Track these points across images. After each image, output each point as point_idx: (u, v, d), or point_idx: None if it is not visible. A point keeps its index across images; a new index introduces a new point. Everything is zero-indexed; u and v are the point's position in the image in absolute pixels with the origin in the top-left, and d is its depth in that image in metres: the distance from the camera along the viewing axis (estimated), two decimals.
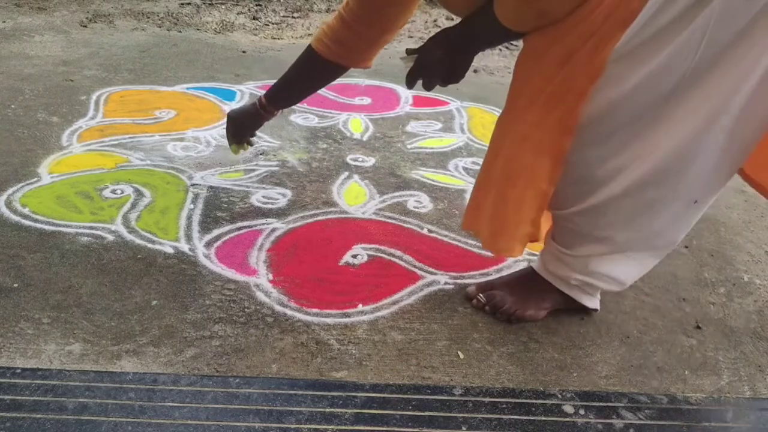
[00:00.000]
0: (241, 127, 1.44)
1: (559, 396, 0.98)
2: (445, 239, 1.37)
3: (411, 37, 2.97)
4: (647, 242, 1.03)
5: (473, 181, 1.62)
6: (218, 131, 1.77)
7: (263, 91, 2.13)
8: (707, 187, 0.96)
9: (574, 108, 0.92)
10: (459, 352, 1.05)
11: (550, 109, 0.94)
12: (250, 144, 1.51)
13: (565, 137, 0.94)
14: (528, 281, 1.16)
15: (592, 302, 1.14)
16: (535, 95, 0.96)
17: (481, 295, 1.15)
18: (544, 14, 0.91)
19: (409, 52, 1.14)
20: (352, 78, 2.31)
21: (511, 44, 2.75)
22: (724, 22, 0.81)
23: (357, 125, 1.90)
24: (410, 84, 1.13)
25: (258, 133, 1.75)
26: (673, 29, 0.83)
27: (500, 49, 2.88)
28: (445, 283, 1.22)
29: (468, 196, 1.55)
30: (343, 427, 0.89)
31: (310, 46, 1.25)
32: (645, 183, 0.94)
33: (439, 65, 1.09)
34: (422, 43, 1.11)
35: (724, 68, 0.84)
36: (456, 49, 1.07)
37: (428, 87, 1.13)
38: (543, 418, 0.94)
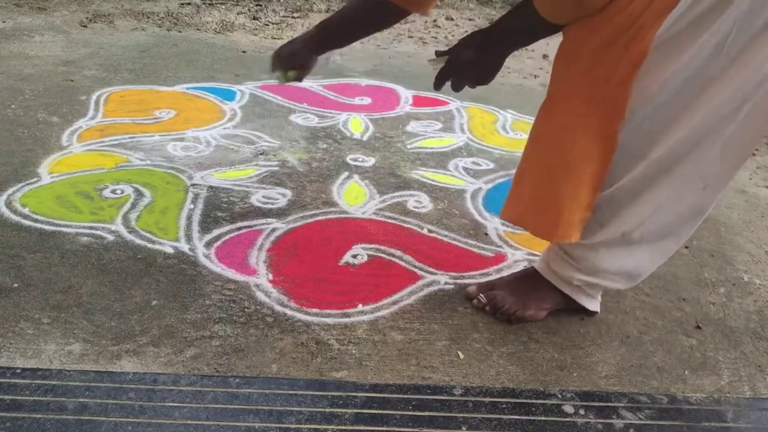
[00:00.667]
0: (289, 50, 1.35)
1: (559, 396, 0.98)
2: (445, 239, 1.37)
3: (411, 37, 2.97)
4: (659, 230, 1.03)
5: (473, 181, 1.62)
6: (218, 131, 1.77)
7: (264, 91, 2.14)
8: (719, 173, 0.98)
9: (620, 94, 0.93)
10: (459, 352, 1.05)
11: (593, 97, 0.96)
12: (296, 76, 1.39)
13: (615, 122, 0.96)
14: (529, 281, 1.16)
15: (593, 304, 1.15)
16: (576, 86, 0.97)
17: (481, 295, 1.15)
18: (580, 3, 0.92)
19: (438, 54, 1.14)
20: (352, 78, 2.31)
21: None
22: (754, 12, 0.85)
23: (357, 125, 1.90)
24: (439, 86, 1.14)
25: (258, 133, 1.74)
26: (708, 17, 0.87)
27: None
28: (445, 283, 1.22)
29: (468, 196, 1.55)
30: (343, 427, 0.89)
31: None
32: (665, 165, 0.97)
33: (471, 66, 1.10)
34: (453, 45, 1.12)
35: (750, 56, 0.87)
36: (489, 49, 1.08)
37: (458, 88, 1.14)
38: (543, 418, 0.94)
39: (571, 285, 1.11)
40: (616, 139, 0.97)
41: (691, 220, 1.03)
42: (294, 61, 1.35)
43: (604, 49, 0.92)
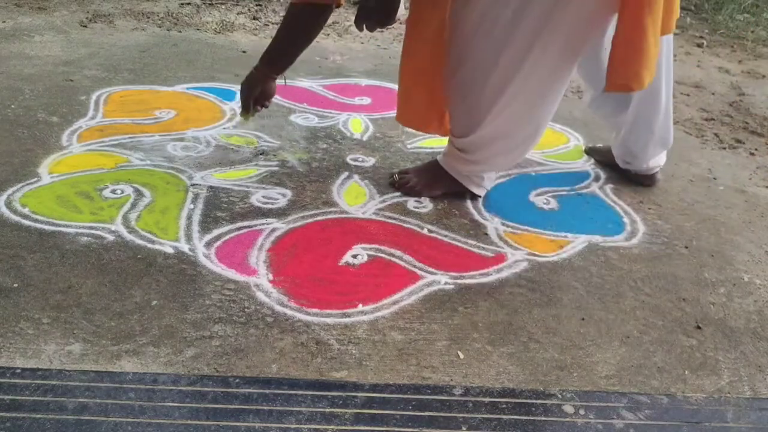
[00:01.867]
0: (244, 92, 1.55)
1: (559, 396, 0.98)
2: (445, 239, 1.37)
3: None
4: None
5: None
6: (218, 131, 1.77)
7: None
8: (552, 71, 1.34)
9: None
10: (459, 352, 1.05)
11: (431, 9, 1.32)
12: (258, 108, 1.58)
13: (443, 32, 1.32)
14: (433, 170, 1.54)
15: (479, 190, 1.52)
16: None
17: (396, 174, 1.54)
18: None
19: (354, 1, 1.39)
20: (352, 78, 2.31)
21: None
22: None
23: (357, 125, 1.90)
24: (359, 27, 1.37)
25: (258, 133, 1.74)
26: None
27: None
28: (445, 283, 1.22)
29: (468, 196, 1.55)
30: (343, 427, 0.89)
31: (291, 3, 1.41)
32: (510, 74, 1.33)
33: (374, 11, 1.34)
34: None
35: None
36: None
37: (371, 29, 1.38)
38: (543, 418, 0.94)
39: (461, 174, 1.49)
40: (444, 44, 1.33)
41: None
42: (248, 102, 1.56)
43: None
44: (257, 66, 1.50)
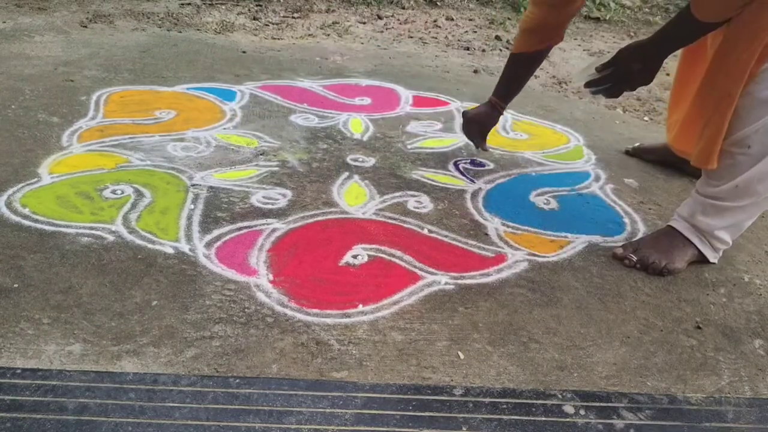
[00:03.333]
0: (483, 125, 1.69)
1: (560, 396, 0.98)
2: (446, 239, 1.37)
3: (411, 37, 2.97)
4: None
5: (473, 181, 1.62)
6: (218, 131, 1.77)
7: (264, 92, 2.14)
8: None
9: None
10: (459, 353, 1.05)
11: (746, 49, 1.19)
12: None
13: (757, 66, 1.20)
14: (668, 238, 1.36)
15: (714, 257, 1.37)
16: (735, 45, 1.21)
17: (631, 255, 1.34)
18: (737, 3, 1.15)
19: (600, 68, 1.35)
20: (352, 78, 2.31)
21: (510, 45, 2.76)
22: None
23: (357, 125, 1.90)
24: (597, 92, 1.37)
25: (258, 133, 1.74)
26: None
27: (500, 50, 2.88)
28: (446, 283, 1.22)
29: (468, 196, 1.55)
30: (344, 428, 0.89)
31: (514, 53, 1.57)
32: None
33: (638, 74, 1.31)
34: (614, 57, 1.34)
35: None
36: (655, 56, 1.29)
37: (617, 94, 1.36)
38: (543, 419, 0.94)
39: (702, 238, 1.34)
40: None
41: None
42: (487, 132, 1.70)
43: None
44: (494, 100, 1.64)
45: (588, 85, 1.38)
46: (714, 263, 1.37)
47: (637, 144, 1.91)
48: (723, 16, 1.20)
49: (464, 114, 1.70)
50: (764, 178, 1.24)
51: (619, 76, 1.33)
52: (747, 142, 1.22)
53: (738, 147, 1.24)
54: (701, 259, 1.36)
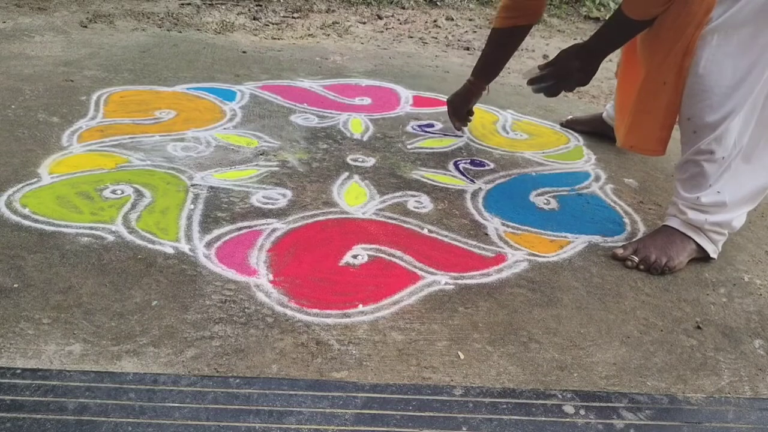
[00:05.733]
0: (461, 104, 1.81)
1: (560, 396, 0.98)
2: (446, 239, 1.37)
3: (411, 37, 2.97)
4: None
5: (473, 181, 1.62)
6: (218, 131, 1.77)
7: (264, 92, 2.14)
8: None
9: (693, 34, 1.23)
10: (459, 353, 1.05)
11: (675, 42, 1.26)
12: (470, 118, 1.88)
13: (686, 58, 1.26)
14: (666, 236, 1.36)
15: (714, 252, 1.38)
16: (664, 41, 1.28)
17: (633, 256, 1.33)
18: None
19: (542, 67, 1.42)
20: (352, 78, 2.31)
21: None
22: None
23: (357, 125, 1.90)
24: (538, 90, 1.43)
25: (258, 133, 1.74)
26: None
27: None
28: (446, 284, 1.22)
29: (468, 196, 1.55)
30: (344, 428, 0.89)
31: (493, 28, 1.65)
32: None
33: (576, 73, 1.39)
34: (556, 57, 1.41)
35: None
36: (592, 57, 1.37)
37: (555, 93, 1.43)
38: (543, 419, 0.94)
39: (699, 231, 1.34)
40: (685, 73, 1.27)
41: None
42: (463, 112, 1.84)
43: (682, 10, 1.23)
44: (471, 80, 1.75)
45: (530, 82, 1.45)
46: (713, 258, 1.37)
47: (570, 116, 2.05)
48: (652, 13, 1.27)
49: (447, 99, 1.85)
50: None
51: (558, 75, 1.40)
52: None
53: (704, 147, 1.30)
54: (702, 255, 1.36)
